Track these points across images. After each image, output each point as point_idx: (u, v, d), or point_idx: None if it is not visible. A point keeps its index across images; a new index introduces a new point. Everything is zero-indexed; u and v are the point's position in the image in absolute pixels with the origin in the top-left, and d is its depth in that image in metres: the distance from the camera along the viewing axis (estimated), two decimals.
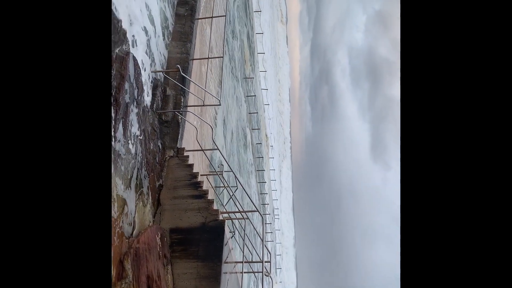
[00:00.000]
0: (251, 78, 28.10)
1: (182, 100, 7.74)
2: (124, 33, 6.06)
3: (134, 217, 5.92)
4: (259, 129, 31.58)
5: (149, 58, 7.41)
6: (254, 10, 32.00)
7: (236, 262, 7.60)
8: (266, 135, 39.88)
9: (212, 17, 9.37)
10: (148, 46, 7.40)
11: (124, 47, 6.04)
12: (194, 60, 8.48)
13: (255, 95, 29.57)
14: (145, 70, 6.88)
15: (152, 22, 7.57)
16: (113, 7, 5.72)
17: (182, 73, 7.09)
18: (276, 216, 48.14)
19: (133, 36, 6.65)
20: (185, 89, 7.71)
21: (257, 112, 30.53)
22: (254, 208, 9.94)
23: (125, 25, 6.14)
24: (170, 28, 8.63)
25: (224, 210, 8.10)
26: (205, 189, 7.19)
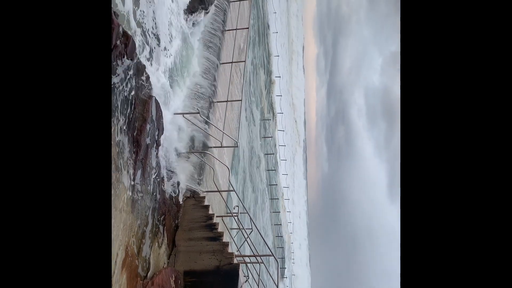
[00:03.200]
0: (268, 120, 28.46)
1: (201, 141, 7.88)
2: (148, 77, 6.33)
3: (149, 258, 5.90)
4: (274, 170, 31.54)
5: (170, 100, 7.66)
6: (274, 55, 32.94)
7: None
8: (281, 176, 39.70)
9: (232, 62, 9.72)
10: (169, 88, 7.68)
11: (147, 90, 6.28)
12: (214, 102, 8.71)
13: (271, 136, 29.81)
14: (167, 112, 7.09)
15: (174, 63, 7.88)
16: (138, 52, 6.01)
17: (201, 116, 7.27)
18: (292, 260, 46.89)
19: (156, 78, 6.93)
20: (204, 131, 7.87)
21: (273, 153, 30.63)
22: (268, 251, 9.77)
23: (148, 68, 6.43)
24: (192, 70, 8.95)
25: (239, 253, 7.99)
26: (220, 231, 7.15)
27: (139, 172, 5.64)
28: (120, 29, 4.87)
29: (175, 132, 7.59)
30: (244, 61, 9.83)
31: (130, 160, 5.37)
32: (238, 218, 8.41)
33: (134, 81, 5.76)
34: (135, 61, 5.81)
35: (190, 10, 8.88)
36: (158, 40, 7.19)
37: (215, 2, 10.03)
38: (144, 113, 5.81)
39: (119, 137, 5.05)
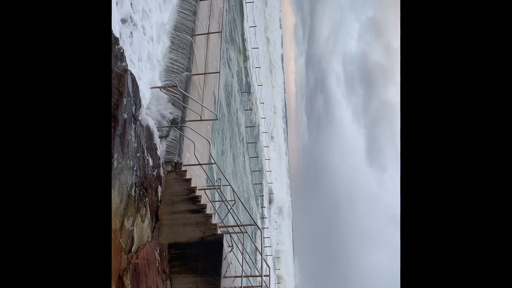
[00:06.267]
0: (247, 92, 28.30)
1: (180, 115, 7.80)
2: (122, 50, 6.15)
3: (132, 232, 5.92)
4: (255, 142, 31.67)
5: (147, 73, 7.50)
6: (250, 26, 32.37)
7: (235, 277, 7.57)
8: (263, 148, 39.95)
9: (208, 33, 9.51)
10: (147, 61, 7.50)
11: (122, 64, 6.11)
12: (191, 75, 8.57)
13: (251, 109, 29.74)
14: (144, 87, 6.95)
15: (151, 39, 7.67)
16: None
17: (179, 89, 7.16)
18: (275, 230, 47.87)
19: (130, 51, 6.75)
20: (183, 105, 7.78)
21: (253, 126, 30.66)
22: (252, 222, 9.94)
23: (123, 40, 6.24)
24: (168, 44, 8.74)
25: (223, 224, 8.10)
26: (203, 203, 7.21)
27: (118, 148, 5.57)
28: None
29: (153, 106, 7.47)
30: (220, 32, 9.64)
31: None
32: (220, 190, 8.48)
33: None
34: None
35: None
36: (132, 8, 6.95)
37: None
38: (120, 87, 5.68)
39: None
